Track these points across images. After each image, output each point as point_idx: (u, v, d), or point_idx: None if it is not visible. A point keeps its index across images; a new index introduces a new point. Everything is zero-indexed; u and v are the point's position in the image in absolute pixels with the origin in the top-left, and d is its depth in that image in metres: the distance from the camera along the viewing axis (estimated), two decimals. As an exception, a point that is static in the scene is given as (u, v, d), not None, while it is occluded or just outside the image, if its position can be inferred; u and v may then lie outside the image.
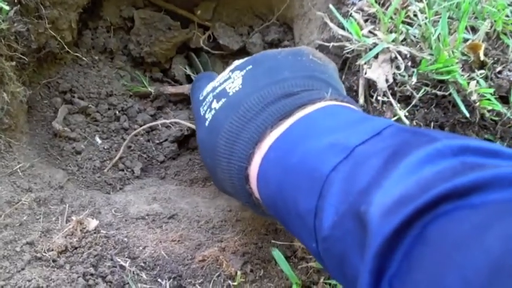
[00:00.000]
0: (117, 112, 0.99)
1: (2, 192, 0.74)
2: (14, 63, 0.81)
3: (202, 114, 0.70)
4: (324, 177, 0.48)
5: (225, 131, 0.63)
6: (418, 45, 0.81)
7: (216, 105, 0.67)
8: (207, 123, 0.68)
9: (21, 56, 0.82)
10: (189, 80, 1.10)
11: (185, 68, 1.09)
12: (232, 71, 0.70)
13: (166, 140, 0.99)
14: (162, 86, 1.05)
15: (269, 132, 0.58)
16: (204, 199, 0.90)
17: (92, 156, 0.93)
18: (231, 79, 0.68)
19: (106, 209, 0.82)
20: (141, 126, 0.98)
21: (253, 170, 0.60)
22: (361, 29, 0.80)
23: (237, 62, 0.72)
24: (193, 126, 0.92)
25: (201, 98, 0.73)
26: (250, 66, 0.68)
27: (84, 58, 0.97)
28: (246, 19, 1.11)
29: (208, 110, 0.68)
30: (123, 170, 0.94)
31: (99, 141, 0.95)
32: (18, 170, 0.79)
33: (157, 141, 0.99)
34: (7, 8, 0.74)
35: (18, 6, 0.80)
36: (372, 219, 0.40)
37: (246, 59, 0.71)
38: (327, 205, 0.47)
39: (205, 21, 1.10)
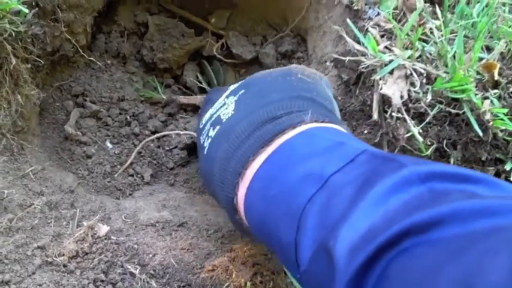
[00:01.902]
0: (128, 117, 0.99)
1: (15, 196, 0.74)
2: (29, 65, 0.81)
3: (201, 142, 0.71)
4: (300, 210, 0.49)
5: (219, 159, 0.64)
6: (433, 63, 0.81)
7: (212, 133, 0.68)
8: (205, 151, 0.69)
9: (37, 58, 0.82)
10: (200, 88, 1.10)
11: (197, 76, 1.09)
12: (227, 96, 0.70)
13: (176, 147, 0.99)
14: (175, 95, 1.05)
15: (251, 161, 0.58)
16: (213, 207, 0.90)
17: (103, 160, 0.93)
18: (225, 105, 0.69)
19: (116, 214, 0.81)
20: (152, 132, 0.98)
21: (240, 200, 0.60)
22: (378, 44, 0.81)
23: (232, 87, 0.72)
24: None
25: (201, 126, 0.73)
26: (243, 91, 0.68)
27: (97, 62, 0.97)
28: (259, 29, 1.12)
29: (207, 138, 0.69)
30: (133, 176, 0.94)
31: (109, 146, 0.95)
32: (30, 173, 0.79)
33: (167, 148, 0.99)
34: (26, 11, 0.74)
35: (36, 9, 0.80)
36: (338, 256, 0.41)
37: (239, 83, 0.71)
38: (304, 238, 0.48)
39: (219, 30, 1.10)
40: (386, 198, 0.42)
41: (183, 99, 1.06)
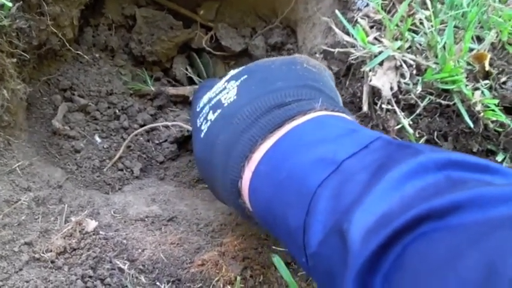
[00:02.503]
0: (117, 111, 0.98)
1: (1, 191, 0.73)
2: (14, 60, 0.80)
3: (198, 125, 0.70)
4: (311, 193, 0.48)
5: (220, 143, 0.63)
6: (423, 54, 0.80)
7: (211, 116, 0.67)
8: (202, 134, 0.67)
9: (22, 52, 0.81)
10: (190, 80, 1.09)
11: (186, 69, 1.08)
12: (228, 81, 0.69)
13: (166, 140, 0.98)
14: (163, 86, 1.04)
15: (259, 145, 0.57)
16: (204, 201, 0.90)
17: (91, 155, 0.92)
18: (226, 90, 0.67)
19: (105, 209, 0.81)
20: (141, 125, 0.97)
21: (245, 184, 0.59)
22: (367, 35, 0.80)
23: (232, 72, 0.71)
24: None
25: (198, 109, 0.72)
26: (245, 76, 0.67)
27: (85, 56, 0.96)
28: (249, 21, 1.11)
29: (205, 121, 0.68)
30: (122, 170, 0.93)
31: (98, 140, 0.94)
32: (17, 169, 0.78)
33: (157, 142, 0.98)
34: (10, 4, 0.73)
35: (21, 2, 0.79)
36: (352, 239, 0.40)
37: (241, 68, 0.70)
38: (314, 222, 0.46)
39: (208, 22, 1.09)
40: (402, 184, 0.41)
41: (172, 90, 1.05)
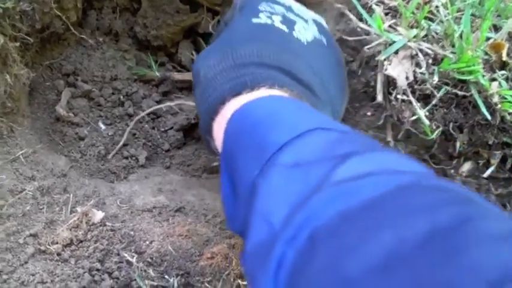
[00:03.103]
0: (122, 97, 0.95)
1: (5, 181, 0.71)
2: (18, 43, 0.77)
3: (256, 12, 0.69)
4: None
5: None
6: (439, 43, 0.78)
7: (278, 23, 0.67)
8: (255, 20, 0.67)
9: (26, 36, 0.78)
10: (195, 65, 1.06)
11: (192, 54, 1.05)
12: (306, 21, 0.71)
13: (171, 128, 0.96)
14: (168, 72, 1.02)
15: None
16: (211, 191, 0.87)
17: (96, 142, 0.89)
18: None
19: (111, 199, 0.79)
20: (146, 113, 0.95)
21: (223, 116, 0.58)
22: (383, 23, 0.78)
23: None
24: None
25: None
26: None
27: (88, 40, 0.93)
28: (257, 5, 1.08)
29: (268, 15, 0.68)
30: (127, 158, 0.90)
31: (102, 127, 0.92)
32: (21, 157, 0.76)
33: (163, 129, 0.96)
34: (14, -14, 0.70)
35: (25, -16, 0.76)
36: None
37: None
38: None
39: (215, 6, 1.06)
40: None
41: (178, 75, 1.02)
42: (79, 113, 0.90)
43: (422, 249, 0.29)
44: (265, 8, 0.69)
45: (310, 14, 0.73)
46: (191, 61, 1.05)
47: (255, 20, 0.67)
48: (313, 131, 0.47)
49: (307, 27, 0.68)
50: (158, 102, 0.98)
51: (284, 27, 0.66)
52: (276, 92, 0.58)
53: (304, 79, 0.61)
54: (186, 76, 1.01)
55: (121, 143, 0.90)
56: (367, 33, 0.79)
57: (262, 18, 0.67)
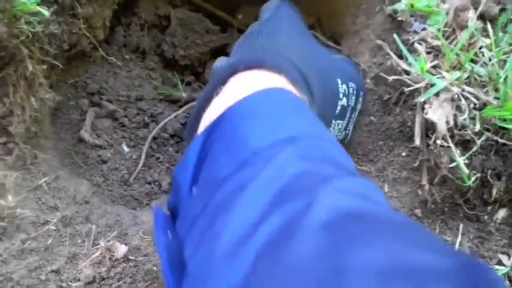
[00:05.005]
0: (146, 118, 0.93)
1: (28, 213, 0.69)
2: (45, 66, 0.75)
3: None
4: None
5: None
6: (483, 87, 0.75)
7: None
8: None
9: (52, 60, 0.76)
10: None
11: (219, 73, 1.02)
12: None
13: (196, 152, 0.93)
14: (195, 92, 0.99)
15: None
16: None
17: (119, 166, 0.87)
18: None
19: (133, 229, 0.76)
20: (170, 135, 0.92)
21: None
22: (425, 63, 0.75)
23: None
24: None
25: None
26: None
27: (114, 58, 0.90)
28: (288, 27, 1.05)
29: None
30: (150, 184, 0.88)
31: (126, 149, 0.89)
32: (44, 184, 0.73)
33: (187, 153, 0.93)
34: (45, 12, 0.68)
35: (55, 6, 0.73)
36: None
37: None
38: None
39: (245, 27, 1.03)
40: None
41: (204, 96, 0.99)
42: (102, 134, 0.88)
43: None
44: None
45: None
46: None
47: None
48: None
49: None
50: (183, 125, 0.95)
51: None
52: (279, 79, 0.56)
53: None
54: (213, 97, 0.98)
55: (140, 165, 0.88)
56: (407, 72, 0.76)
57: None
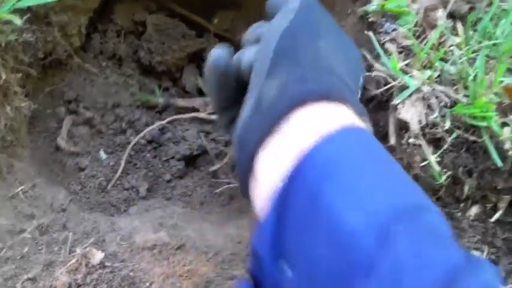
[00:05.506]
0: (124, 124, 0.93)
1: (3, 221, 0.69)
2: (19, 75, 0.75)
3: None
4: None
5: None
6: (453, 85, 0.76)
7: None
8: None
9: (28, 67, 0.76)
10: (200, 91, 1.04)
11: (196, 79, 1.03)
12: None
13: (173, 157, 0.94)
14: (172, 98, 0.99)
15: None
16: (212, 225, 0.86)
17: (96, 173, 0.87)
18: None
19: (111, 236, 0.77)
20: (148, 141, 0.93)
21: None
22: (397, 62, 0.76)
23: None
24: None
25: None
26: None
27: (91, 66, 0.91)
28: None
29: None
30: (128, 190, 0.88)
31: (103, 156, 0.90)
32: (20, 193, 0.74)
33: (164, 158, 0.94)
34: (18, 21, 0.68)
35: (28, 14, 0.73)
36: None
37: None
38: None
39: (222, 31, 1.04)
40: None
41: (181, 101, 1.00)
42: (80, 142, 0.88)
43: None
44: None
45: None
46: (195, 86, 1.03)
47: None
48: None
49: None
50: (161, 130, 0.96)
51: None
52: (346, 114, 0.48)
53: None
54: (191, 103, 0.99)
55: (118, 173, 0.88)
56: (383, 73, 0.77)
57: None
